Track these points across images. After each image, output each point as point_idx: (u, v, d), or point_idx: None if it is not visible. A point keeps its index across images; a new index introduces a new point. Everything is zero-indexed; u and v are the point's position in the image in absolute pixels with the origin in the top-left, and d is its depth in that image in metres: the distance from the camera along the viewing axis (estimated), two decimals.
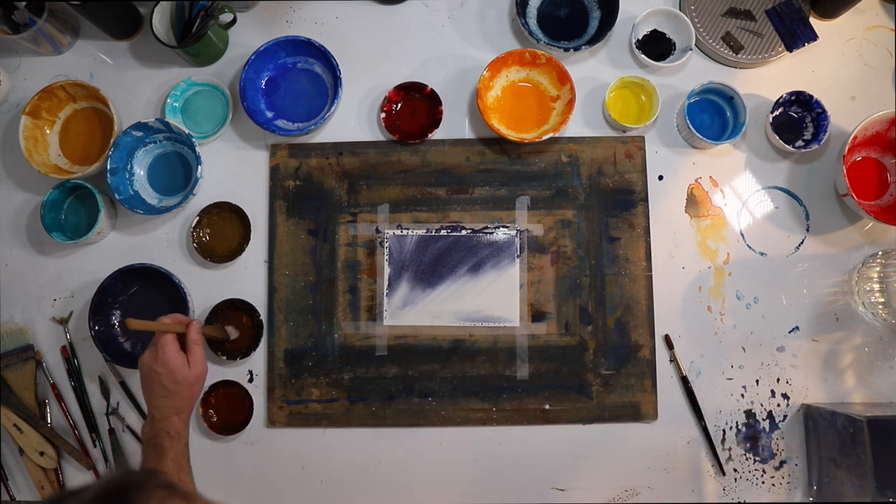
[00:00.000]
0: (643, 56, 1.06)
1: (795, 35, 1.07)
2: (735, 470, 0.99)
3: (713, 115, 1.06)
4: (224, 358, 1.01)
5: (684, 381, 1.00)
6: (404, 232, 1.05)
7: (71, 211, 1.06)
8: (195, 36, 1.03)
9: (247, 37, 1.10)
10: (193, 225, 1.04)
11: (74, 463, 1.01)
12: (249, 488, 1.00)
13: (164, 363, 0.83)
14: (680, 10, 1.08)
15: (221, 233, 1.05)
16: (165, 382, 0.83)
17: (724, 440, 0.99)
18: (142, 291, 1.03)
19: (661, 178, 1.05)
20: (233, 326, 1.02)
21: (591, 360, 1.01)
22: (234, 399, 1.01)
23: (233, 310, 1.02)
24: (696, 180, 1.05)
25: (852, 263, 1.03)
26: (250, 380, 1.02)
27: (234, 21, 1.08)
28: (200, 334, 0.88)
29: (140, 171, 1.06)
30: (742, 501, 0.98)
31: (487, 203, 1.05)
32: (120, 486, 0.43)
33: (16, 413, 0.99)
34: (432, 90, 1.06)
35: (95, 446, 1.01)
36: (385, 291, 1.03)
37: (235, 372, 1.02)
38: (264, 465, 1.01)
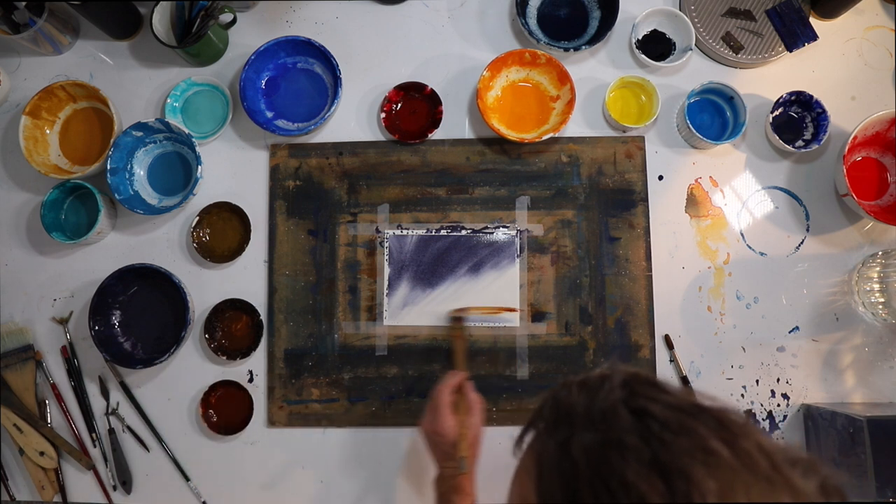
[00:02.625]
0: (643, 56, 1.06)
1: (795, 35, 1.07)
2: None
3: (713, 115, 1.06)
4: (224, 358, 1.01)
5: (684, 381, 1.00)
6: (404, 232, 1.05)
7: (71, 211, 1.06)
8: (195, 36, 1.03)
9: (247, 37, 1.11)
10: (193, 225, 1.04)
11: (74, 463, 1.01)
12: (249, 488, 1.00)
13: (442, 434, 0.83)
14: (680, 10, 1.08)
15: (221, 233, 1.05)
16: (446, 449, 0.84)
17: None
18: (142, 291, 1.03)
19: (661, 178, 1.05)
20: (457, 312, 1.00)
21: (591, 360, 1.01)
22: (234, 399, 1.01)
23: (233, 310, 1.03)
24: (696, 180, 1.05)
25: (852, 263, 1.03)
26: (250, 380, 1.02)
27: (234, 21, 1.08)
28: (476, 394, 0.89)
29: (140, 171, 1.06)
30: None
31: (487, 203, 1.05)
32: (642, 373, 0.47)
33: (16, 413, 0.99)
34: (432, 90, 1.06)
35: (95, 446, 1.01)
36: (385, 291, 1.03)
37: (235, 372, 1.02)
38: (264, 465, 1.01)
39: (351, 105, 1.09)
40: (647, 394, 0.44)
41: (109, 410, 1.02)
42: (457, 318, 0.99)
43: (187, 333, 0.99)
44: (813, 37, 1.07)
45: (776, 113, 1.03)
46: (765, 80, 1.07)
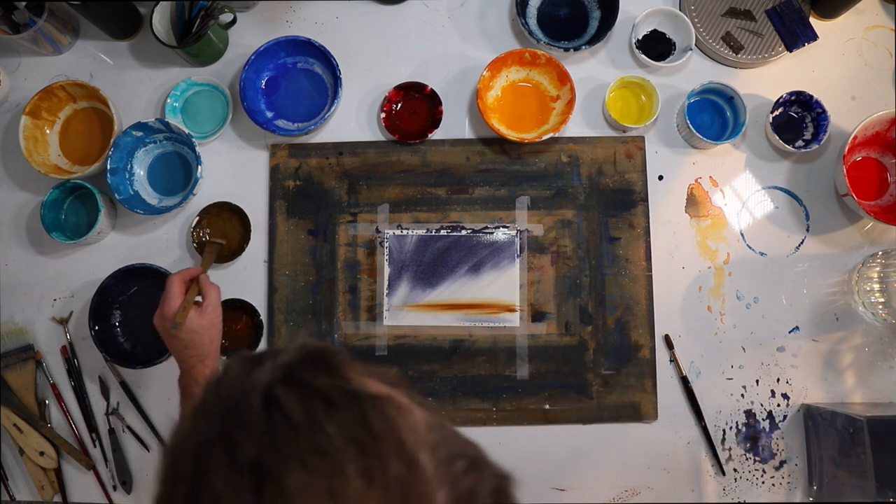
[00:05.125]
0: (643, 56, 1.06)
1: (795, 35, 1.07)
2: (735, 470, 0.99)
3: (713, 115, 1.06)
4: (224, 358, 1.01)
5: (684, 381, 1.00)
6: (404, 232, 1.05)
7: (71, 211, 1.06)
8: (195, 36, 1.03)
9: (247, 37, 1.10)
10: (193, 225, 1.04)
11: (74, 463, 1.01)
12: None
13: (168, 317, 0.85)
14: (680, 10, 1.08)
15: (221, 233, 1.05)
16: (180, 334, 0.85)
17: (724, 440, 0.99)
18: (142, 291, 1.03)
19: (661, 178, 1.05)
20: (216, 239, 1.03)
21: (591, 360, 1.01)
22: None
23: (233, 310, 1.03)
24: (696, 180, 1.05)
25: (852, 263, 1.03)
26: None
27: (234, 21, 1.08)
28: (208, 281, 0.91)
29: (140, 171, 1.06)
30: (742, 501, 0.98)
31: (487, 203, 1.05)
32: (320, 348, 0.41)
33: (16, 413, 0.99)
34: (432, 90, 1.06)
35: (95, 446, 1.01)
36: (385, 291, 1.03)
37: None
38: None
39: (351, 105, 1.09)
40: (301, 377, 0.38)
41: (109, 410, 1.02)
42: (216, 243, 1.02)
43: None
44: (813, 37, 1.07)
45: (776, 113, 1.03)
46: (765, 80, 1.07)
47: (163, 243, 1.06)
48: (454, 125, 1.07)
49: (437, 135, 1.06)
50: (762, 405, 1.00)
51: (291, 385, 0.37)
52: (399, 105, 1.08)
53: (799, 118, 1.05)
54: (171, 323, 0.84)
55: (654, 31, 1.09)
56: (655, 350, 1.01)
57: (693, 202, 1.05)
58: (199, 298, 0.90)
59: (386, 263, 1.04)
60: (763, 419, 1.00)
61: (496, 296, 1.03)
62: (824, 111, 1.02)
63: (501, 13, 1.11)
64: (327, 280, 1.04)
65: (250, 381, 0.38)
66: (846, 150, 0.97)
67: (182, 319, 0.84)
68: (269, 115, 1.07)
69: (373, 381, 0.41)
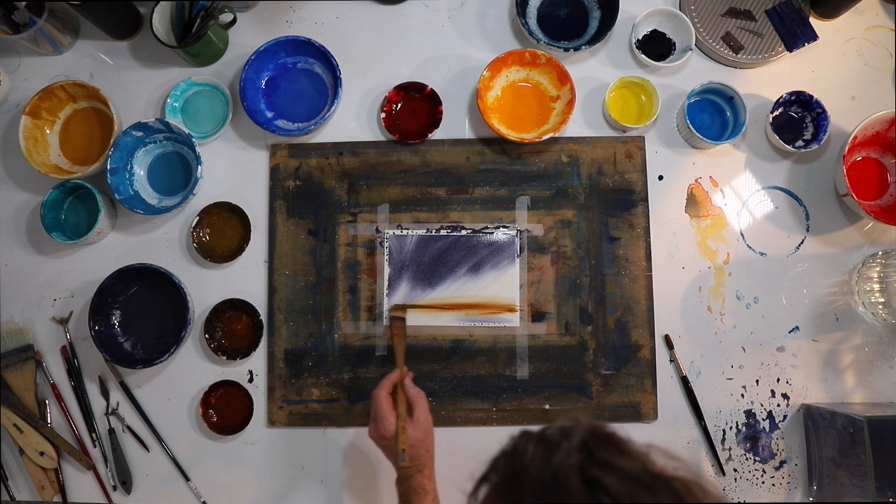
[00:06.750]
0: (643, 56, 1.06)
1: (795, 35, 1.07)
2: (735, 470, 0.99)
3: (713, 115, 1.06)
4: (224, 358, 1.01)
5: (684, 381, 1.00)
6: (404, 232, 1.05)
7: (71, 211, 1.06)
8: (195, 36, 1.03)
9: (247, 37, 1.11)
10: (193, 225, 1.04)
11: (74, 463, 1.01)
12: (249, 488, 1.00)
13: (386, 436, 0.84)
14: (680, 10, 1.08)
15: (221, 233, 1.05)
16: (394, 449, 0.84)
17: (724, 440, 0.99)
18: (142, 291, 1.03)
19: (661, 178, 1.05)
20: (396, 313, 1.00)
21: (591, 360, 1.01)
22: (234, 399, 1.01)
23: (233, 310, 1.03)
24: (696, 180, 1.05)
25: (852, 263, 1.03)
26: (250, 380, 1.02)
27: (234, 21, 1.08)
28: (416, 388, 0.89)
29: (140, 171, 1.06)
30: (742, 501, 0.98)
31: (487, 203, 1.05)
32: (600, 427, 0.46)
33: (16, 413, 0.99)
34: (432, 90, 1.06)
35: (95, 446, 1.01)
36: (385, 291, 1.03)
37: (235, 372, 1.02)
38: (264, 465, 1.01)
39: (351, 105, 1.09)
40: (605, 459, 0.42)
41: (109, 410, 1.02)
42: (397, 318, 0.99)
43: (187, 333, 0.99)
44: (813, 37, 1.07)
45: (776, 113, 1.03)
46: (765, 80, 1.07)
47: (163, 243, 1.06)
48: (454, 125, 1.07)
49: (437, 135, 1.06)
50: (762, 405, 1.00)
51: (601, 466, 0.42)
52: (399, 105, 1.08)
53: (799, 118, 1.05)
54: (391, 442, 0.83)
55: (654, 31, 1.09)
56: (655, 350, 1.01)
57: (693, 202, 1.05)
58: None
59: (386, 263, 1.04)
60: (763, 419, 1.00)
61: (496, 296, 1.03)
62: (824, 111, 1.02)
63: (501, 13, 1.11)
64: (327, 280, 1.04)
65: (557, 461, 0.43)
66: (846, 150, 0.97)
67: (405, 445, 0.82)
68: (269, 115, 1.07)
69: (658, 462, 0.45)
